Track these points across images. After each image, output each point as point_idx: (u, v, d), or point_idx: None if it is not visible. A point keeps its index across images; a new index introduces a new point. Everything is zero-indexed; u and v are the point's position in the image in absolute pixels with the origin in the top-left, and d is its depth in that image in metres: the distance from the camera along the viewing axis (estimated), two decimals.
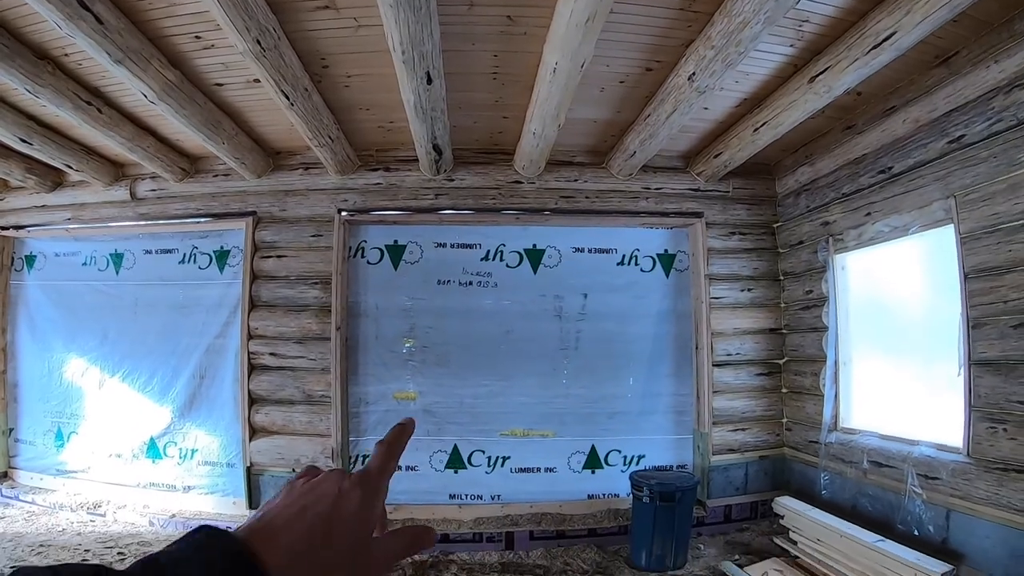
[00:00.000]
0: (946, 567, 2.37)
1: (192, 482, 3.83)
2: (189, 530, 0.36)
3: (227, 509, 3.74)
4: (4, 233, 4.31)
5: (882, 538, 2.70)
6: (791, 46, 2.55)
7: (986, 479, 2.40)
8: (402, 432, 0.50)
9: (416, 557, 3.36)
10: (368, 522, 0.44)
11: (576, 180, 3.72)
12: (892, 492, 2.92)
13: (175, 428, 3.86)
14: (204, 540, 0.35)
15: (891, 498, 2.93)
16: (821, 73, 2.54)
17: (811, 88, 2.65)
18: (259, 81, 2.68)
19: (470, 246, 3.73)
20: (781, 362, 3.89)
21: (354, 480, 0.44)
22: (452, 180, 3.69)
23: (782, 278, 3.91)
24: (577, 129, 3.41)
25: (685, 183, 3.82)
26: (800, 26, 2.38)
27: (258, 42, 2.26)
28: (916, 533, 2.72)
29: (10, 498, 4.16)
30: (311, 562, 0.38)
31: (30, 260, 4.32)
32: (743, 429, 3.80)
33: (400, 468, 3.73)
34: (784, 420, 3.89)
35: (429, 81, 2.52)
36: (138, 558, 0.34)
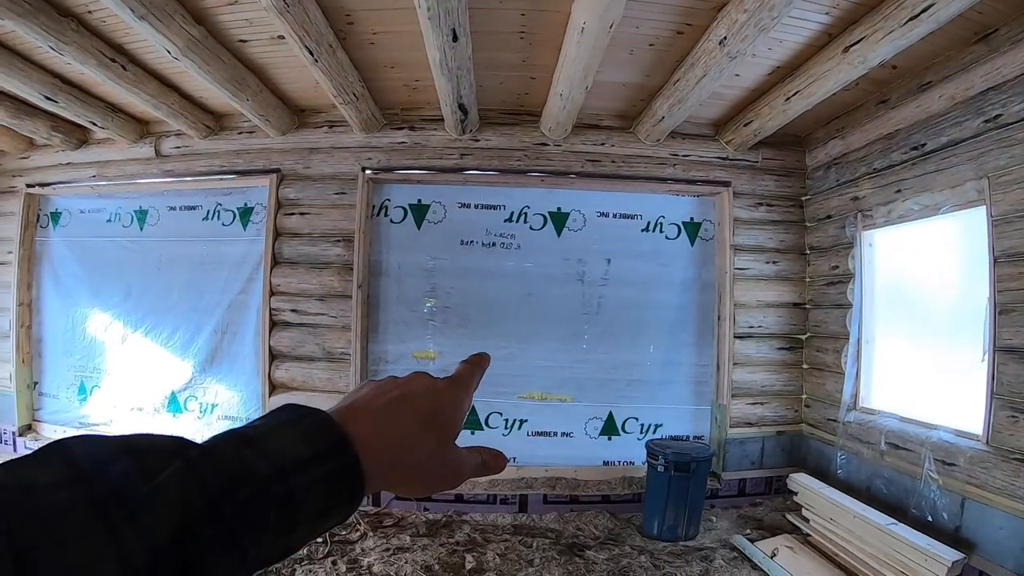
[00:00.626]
0: (957, 555, 2.34)
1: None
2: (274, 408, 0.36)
3: None
4: (30, 191, 4.36)
5: (895, 521, 2.68)
6: (826, 14, 2.46)
7: (1004, 468, 2.36)
8: (484, 357, 0.51)
9: (430, 516, 3.40)
10: (460, 420, 0.45)
11: (603, 144, 3.67)
12: (908, 476, 2.89)
13: (196, 383, 3.91)
14: (293, 415, 0.35)
15: (906, 482, 2.90)
16: (856, 43, 2.46)
17: (845, 58, 2.57)
18: (283, 37, 2.64)
19: (494, 207, 3.70)
20: (803, 337, 3.84)
21: (446, 380, 0.45)
22: (477, 140, 3.65)
23: (808, 252, 3.85)
24: (605, 92, 3.35)
25: (713, 151, 3.76)
26: None
27: None
28: (929, 519, 2.69)
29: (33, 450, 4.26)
30: (404, 447, 0.39)
31: (55, 217, 4.37)
32: (762, 403, 3.77)
33: None
34: (803, 396, 3.85)
35: (455, 39, 2.48)
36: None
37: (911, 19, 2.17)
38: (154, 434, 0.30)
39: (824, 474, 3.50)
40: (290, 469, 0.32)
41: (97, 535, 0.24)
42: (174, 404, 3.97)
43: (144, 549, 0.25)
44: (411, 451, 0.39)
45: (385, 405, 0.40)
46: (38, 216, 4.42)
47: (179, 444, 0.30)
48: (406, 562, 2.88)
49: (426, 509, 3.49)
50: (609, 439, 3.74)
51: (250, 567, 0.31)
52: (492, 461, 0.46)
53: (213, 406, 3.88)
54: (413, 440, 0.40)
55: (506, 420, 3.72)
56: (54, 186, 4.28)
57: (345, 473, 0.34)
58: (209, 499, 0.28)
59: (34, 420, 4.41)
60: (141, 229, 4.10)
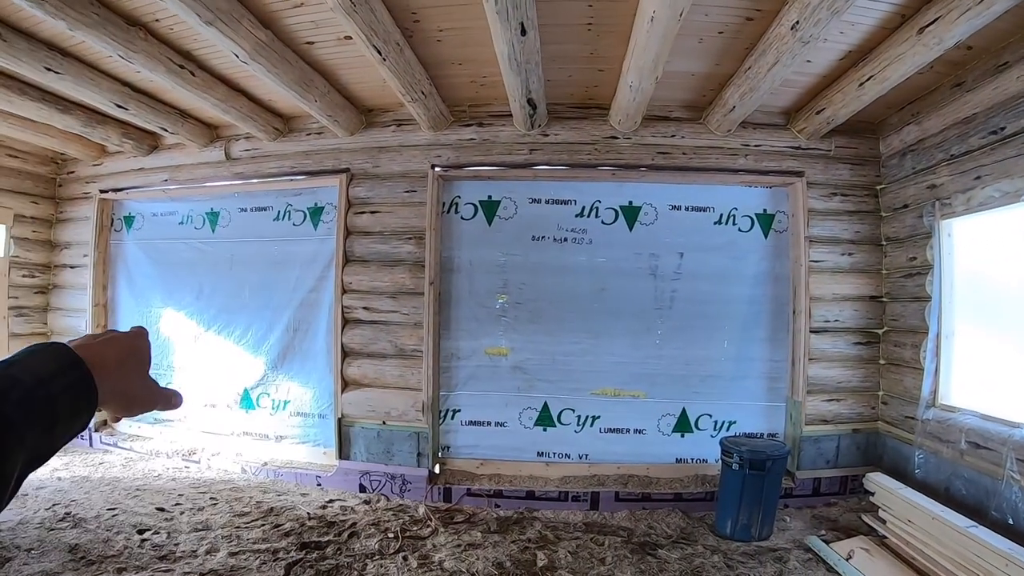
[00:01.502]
0: None
1: (284, 432, 3.96)
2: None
3: (318, 459, 3.86)
4: (103, 196, 4.54)
5: (975, 524, 2.56)
6: None
7: None
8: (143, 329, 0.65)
9: (501, 512, 3.40)
10: (149, 359, 0.61)
11: (673, 136, 3.62)
12: (988, 476, 2.76)
13: (268, 380, 3.99)
14: (40, 346, 0.48)
15: (987, 482, 2.77)
16: (931, 24, 2.36)
17: (920, 40, 2.47)
18: (350, 38, 2.68)
19: (565, 202, 3.68)
20: (880, 332, 3.71)
21: (132, 331, 0.61)
22: (546, 135, 3.64)
23: (884, 243, 3.72)
24: (674, 82, 3.31)
25: (785, 140, 3.67)
26: None
27: None
28: (1011, 522, 2.57)
29: (109, 445, 4.41)
30: (118, 371, 0.54)
31: (129, 220, 4.53)
32: (837, 400, 3.66)
33: (489, 424, 3.76)
34: (880, 393, 3.72)
35: (523, 32, 2.48)
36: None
37: None
38: None
39: (901, 474, 3.38)
40: (46, 378, 0.44)
41: None
42: (247, 401, 4.06)
43: None
44: (125, 375, 0.55)
45: (103, 342, 0.55)
46: (112, 220, 4.60)
47: None
48: (477, 559, 2.87)
49: (497, 506, 3.49)
50: (682, 436, 3.68)
51: (28, 458, 0.42)
52: (175, 399, 0.62)
53: (286, 403, 3.96)
54: (123, 366, 0.55)
55: (578, 416, 3.69)
56: (127, 191, 4.45)
57: (84, 382, 0.48)
58: None
59: None
60: (213, 231, 4.21)
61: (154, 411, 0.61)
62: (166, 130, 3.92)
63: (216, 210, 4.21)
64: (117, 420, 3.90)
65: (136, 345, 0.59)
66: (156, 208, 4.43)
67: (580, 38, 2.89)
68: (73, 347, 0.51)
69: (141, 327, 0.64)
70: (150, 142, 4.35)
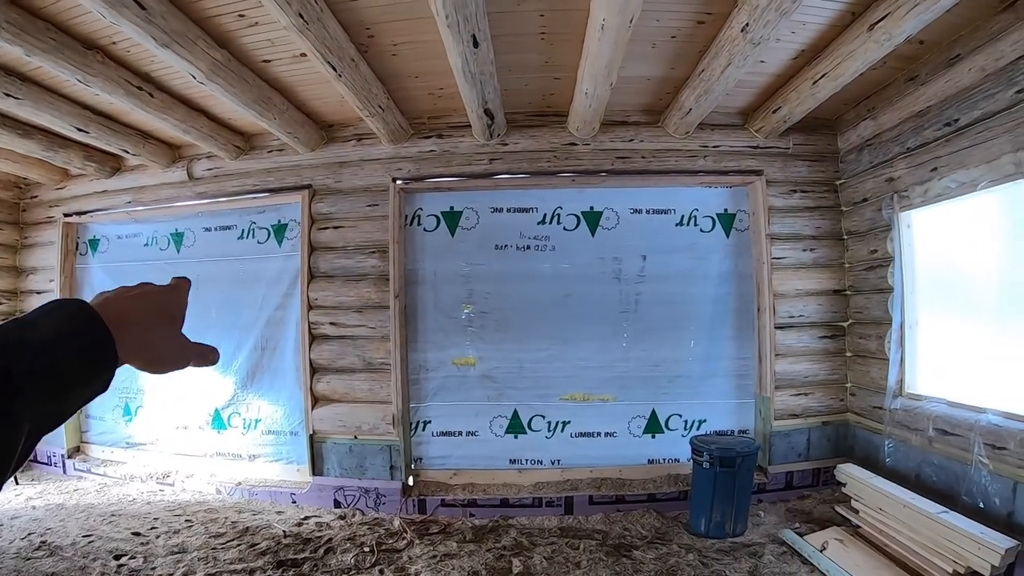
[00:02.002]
0: (1011, 542, 2.27)
1: (257, 451, 3.94)
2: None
3: (292, 476, 3.84)
4: (67, 220, 4.49)
5: (946, 509, 2.61)
6: None
7: None
8: (186, 279, 0.62)
9: (476, 521, 3.40)
10: (182, 314, 0.58)
11: (632, 140, 3.65)
12: (958, 462, 2.81)
13: (239, 399, 3.97)
14: (57, 303, 0.45)
15: (956, 468, 2.82)
16: (880, 20, 2.41)
17: (871, 36, 2.52)
18: (305, 55, 2.69)
19: (526, 210, 3.70)
20: (845, 325, 3.77)
21: (167, 286, 0.58)
22: (506, 144, 3.66)
23: (845, 237, 3.78)
24: (630, 87, 3.34)
25: (743, 140, 3.71)
26: None
27: (300, 15, 2.26)
28: (981, 505, 2.62)
29: (83, 471, 4.36)
30: (144, 328, 0.51)
31: (94, 244, 4.48)
32: (806, 394, 3.71)
33: (460, 434, 3.76)
34: (848, 385, 3.77)
35: (475, 44, 2.50)
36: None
37: None
38: None
39: (872, 463, 3.43)
40: (58, 340, 0.42)
41: None
42: (218, 421, 4.03)
43: None
44: (151, 332, 0.51)
45: (128, 299, 0.52)
46: (77, 244, 4.55)
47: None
48: (453, 568, 2.87)
49: (472, 515, 3.50)
50: (653, 437, 3.71)
51: (37, 423, 0.39)
52: (212, 354, 0.59)
53: (257, 421, 3.94)
54: (151, 323, 0.52)
55: (549, 423, 3.70)
56: (91, 214, 4.40)
57: (100, 343, 0.44)
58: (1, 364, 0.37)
59: (82, 442, 4.53)
60: (178, 251, 4.19)
61: (186, 368, 0.57)
62: (128, 152, 3.89)
63: (180, 230, 4.18)
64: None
65: (168, 300, 0.55)
66: (121, 230, 4.39)
67: (534, 47, 2.91)
68: (95, 303, 0.48)
69: (183, 278, 0.61)
70: (112, 164, 4.31)
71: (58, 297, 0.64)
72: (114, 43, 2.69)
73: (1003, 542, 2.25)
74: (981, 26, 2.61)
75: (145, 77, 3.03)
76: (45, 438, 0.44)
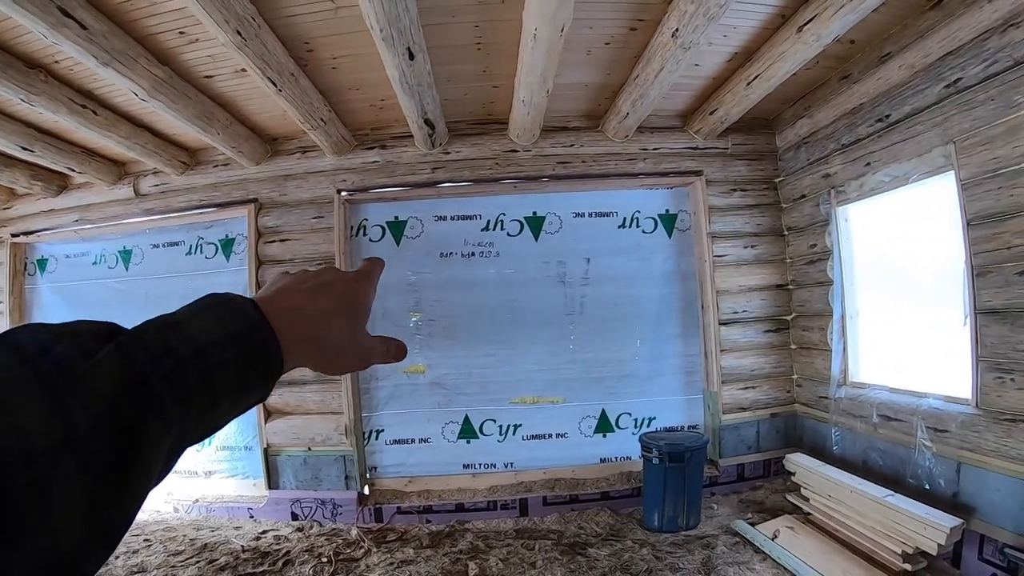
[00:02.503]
0: (955, 521, 2.36)
1: (213, 467, 3.92)
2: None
3: (249, 491, 3.83)
4: (15, 240, 4.41)
5: (892, 493, 2.70)
6: None
7: (995, 430, 2.37)
8: (380, 260, 0.56)
9: (433, 527, 3.43)
10: (368, 307, 0.50)
11: (572, 145, 3.71)
12: (902, 446, 2.90)
13: None
14: (214, 300, 0.39)
15: (901, 452, 2.91)
16: (809, 22, 2.49)
17: (800, 38, 2.60)
18: (246, 70, 2.70)
19: (470, 217, 3.74)
20: (789, 318, 3.87)
21: (355, 272, 0.50)
22: (448, 153, 3.69)
23: (786, 233, 3.88)
24: (569, 94, 3.39)
25: (683, 142, 3.79)
26: None
27: (238, 32, 2.28)
28: (927, 487, 2.71)
29: None
30: (322, 327, 0.44)
31: (42, 264, 4.41)
32: (753, 387, 3.80)
33: (413, 441, 3.76)
34: (794, 376, 3.87)
35: (411, 57, 2.53)
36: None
37: None
38: (90, 320, 0.34)
39: (820, 452, 3.53)
40: (207, 348, 0.35)
41: (44, 405, 0.27)
42: None
43: (86, 416, 0.28)
44: (328, 331, 0.44)
45: (304, 292, 0.45)
46: (25, 264, 4.47)
47: (112, 328, 0.34)
48: (411, 575, 2.90)
49: (428, 521, 3.52)
50: (604, 436, 3.77)
51: (180, 439, 0.34)
52: (396, 349, 0.52)
53: (211, 437, 3.91)
54: (330, 321, 0.44)
55: (500, 426, 3.74)
56: (38, 233, 4.32)
57: (259, 351, 0.38)
58: (138, 373, 0.31)
59: None
60: (127, 269, 4.14)
61: (368, 367, 0.50)
62: (74, 170, 3.84)
63: (128, 248, 4.13)
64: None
65: (353, 291, 0.48)
66: (69, 249, 4.32)
67: (471, 57, 2.95)
68: (263, 296, 0.42)
69: (376, 260, 0.54)
70: (59, 182, 4.25)
71: (215, 292, 0.41)
72: (56, 62, 2.67)
73: (948, 521, 2.35)
74: (910, 24, 2.71)
75: (88, 95, 3.01)
76: None
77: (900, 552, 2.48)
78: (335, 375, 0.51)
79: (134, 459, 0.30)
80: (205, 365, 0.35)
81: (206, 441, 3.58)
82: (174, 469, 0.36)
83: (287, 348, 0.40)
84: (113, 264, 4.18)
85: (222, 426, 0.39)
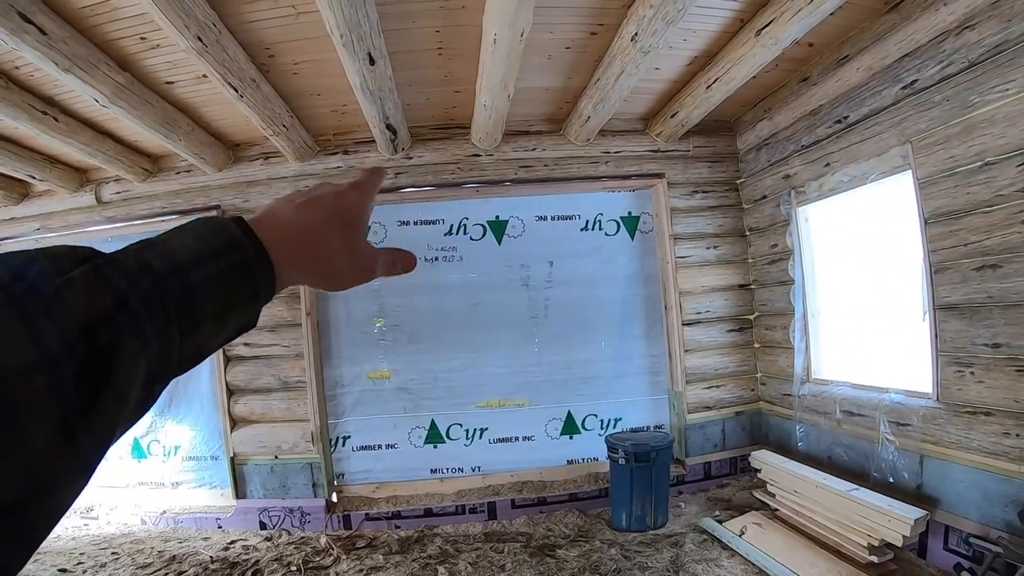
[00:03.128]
0: (920, 512, 2.41)
1: (179, 478, 3.88)
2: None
3: (216, 501, 3.79)
4: None
5: (856, 487, 2.75)
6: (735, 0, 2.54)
7: (956, 423, 2.43)
8: (381, 169, 0.54)
9: (402, 533, 3.42)
10: (366, 217, 0.48)
11: (534, 149, 3.73)
12: (866, 441, 2.96)
13: (156, 426, 3.89)
14: (197, 221, 0.38)
15: (865, 447, 2.97)
16: (767, 25, 2.54)
17: (758, 41, 2.65)
18: (207, 76, 2.68)
19: (433, 222, 3.74)
20: (752, 317, 3.93)
21: (349, 183, 0.48)
22: (411, 158, 3.70)
23: (748, 233, 3.94)
24: (530, 97, 3.41)
25: (644, 145, 3.83)
26: None
27: (199, 38, 2.26)
28: (891, 480, 2.76)
29: None
30: (317, 240, 0.43)
31: None
32: (718, 386, 3.85)
33: (380, 447, 3.74)
34: (758, 375, 3.93)
35: (372, 62, 2.53)
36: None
37: None
38: (68, 244, 0.32)
39: (786, 448, 3.58)
40: (187, 265, 0.34)
41: (16, 325, 0.26)
42: (138, 450, 3.95)
43: (60, 336, 0.27)
44: (325, 244, 0.43)
45: (296, 206, 0.43)
46: None
47: (89, 251, 0.32)
48: None
49: (397, 527, 3.52)
50: (571, 438, 3.79)
51: (161, 364, 0.32)
52: (403, 259, 0.50)
53: (177, 448, 3.87)
54: (325, 234, 0.43)
55: (467, 431, 3.75)
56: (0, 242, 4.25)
57: (243, 268, 0.37)
58: (115, 293, 0.30)
59: None
60: None
61: (372, 280, 0.48)
62: (34, 177, 3.78)
63: None
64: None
65: (347, 201, 0.46)
66: None
67: (432, 62, 2.96)
68: (255, 217, 0.40)
69: (373, 169, 0.51)
70: (20, 190, 4.18)
71: (200, 217, 0.40)
72: (17, 67, 2.62)
73: (913, 513, 2.40)
74: (867, 27, 2.76)
75: (49, 101, 2.96)
76: None
77: (866, 544, 2.53)
78: (336, 290, 0.45)
79: (108, 381, 0.28)
80: (185, 283, 0.33)
81: (171, 451, 3.53)
82: (151, 414, 0.35)
83: (279, 264, 0.39)
84: None
85: (207, 352, 0.37)
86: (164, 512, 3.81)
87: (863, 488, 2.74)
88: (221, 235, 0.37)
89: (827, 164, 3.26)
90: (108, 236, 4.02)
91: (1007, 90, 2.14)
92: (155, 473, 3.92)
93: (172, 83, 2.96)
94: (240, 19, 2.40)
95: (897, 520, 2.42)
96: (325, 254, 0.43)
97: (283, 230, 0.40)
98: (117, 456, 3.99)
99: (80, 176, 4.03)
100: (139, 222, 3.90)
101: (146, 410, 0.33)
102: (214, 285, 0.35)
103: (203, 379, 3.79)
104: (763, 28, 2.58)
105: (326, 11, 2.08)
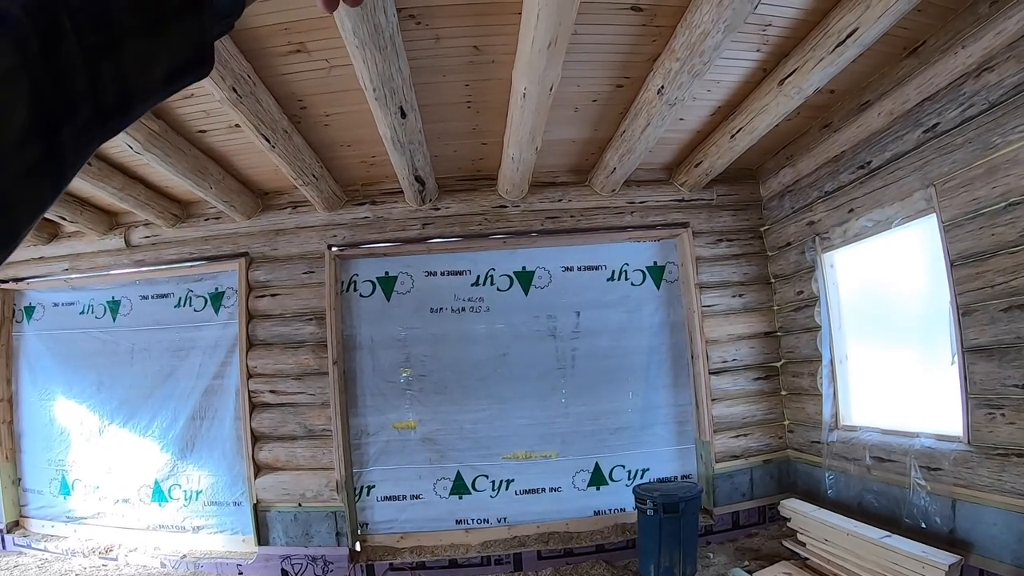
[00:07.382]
0: (954, 558, 2.36)
1: (200, 522, 3.86)
2: None
3: (238, 547, 3.76)
4: (4, 286, 4.38)
5: (888, 534, 2.70)
6: (757, 51, 2.58)
7: (988, 466, 2.39)
8: None
9: None
10: None
11: (560, 200, 3.76)
12: (896, 486, 2.91)
13: (178, 470, 3.89)
14: None
15: (896, 492, 2.92)
16: (790, 75, 2.56)
17: (781, 91, 2.68)
18: (239, 126, 2.73)
19: (460, 272, 3.76)
20: (778, 365, 3.90)
21: None
22: (438, 209, 3.73)
23: (773, 281, 3.93)
24: (557, 149, 3.45)
25: (669, 194, 3.86)
26: (764, 30, 2.41)
27: (234, 89, 2.32)
28: (923, 526, 2.71)
29: (23, 547, 4.19)
30: None
31: (29, 311, 4.38)
32: (745, 434, 3.81)
33: (404, 498, 3.72)
34: (786, 422, 3.89)
35: (403, 115, 2.58)
36: None
37: (838, 45, 2.24)
38: None
39: (815, 496, 3.53)
40: None
41: None
42: (159, 494, 3.94)
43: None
44: None
45: None
46: (13, 311, 4.43)
47: None
48: None
49: None
50: (598, 489, 3.75)
51: (55, 95, 0.25)
52: None
53: (198, 492, 3.86)
54: None
55: (492, 482, 3.72)
56: (27, 280, 4.30)
57: None
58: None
59: (21, 516, 4.36)
60: (114, 319, 4.11)
61: None
62: (65, 219, 3.84)
63: (117, 298, 4.11)
64: None
65: None
66: (57, 298, 4.30)
67: (461, 115, 3.01)
68: None
69: None
70: (50, 230, 4.24)
71: None
72: None
73: (946, 559, 2.35)
74: (887, 73, 2.78)
75: None
76: None
77: None
78: None
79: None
80: None
81: (192, 495, 3.48)
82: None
83: None
84: (101, 314, 4.15)
85: (138, 99, 0.29)
86: (184, 556, 3.78)
87: (895, 535, 2.69)
88: None
89: (851, 210, 3.26)
90: (136, 279, 4.07)
91: None
92: (175, 516, 3.90)
93: (205, 131, 3.02)
94: (274, 71, 2.45)
95: (931, 566, 2.37)
96: None
97: None
98: (138, 499, 3.98)
99: (110, 219, 4.08)
100: (167, 267, 3.95)
101: (81, 161, 0.27)
102: None
103: (227, 424, 3.80)
104: (786, 78, 2.61)
105: (360, 65, 2.12)
